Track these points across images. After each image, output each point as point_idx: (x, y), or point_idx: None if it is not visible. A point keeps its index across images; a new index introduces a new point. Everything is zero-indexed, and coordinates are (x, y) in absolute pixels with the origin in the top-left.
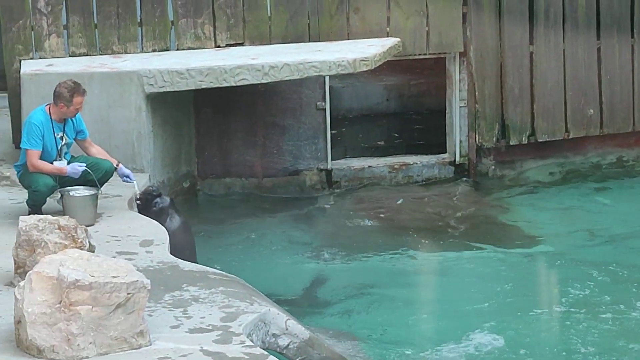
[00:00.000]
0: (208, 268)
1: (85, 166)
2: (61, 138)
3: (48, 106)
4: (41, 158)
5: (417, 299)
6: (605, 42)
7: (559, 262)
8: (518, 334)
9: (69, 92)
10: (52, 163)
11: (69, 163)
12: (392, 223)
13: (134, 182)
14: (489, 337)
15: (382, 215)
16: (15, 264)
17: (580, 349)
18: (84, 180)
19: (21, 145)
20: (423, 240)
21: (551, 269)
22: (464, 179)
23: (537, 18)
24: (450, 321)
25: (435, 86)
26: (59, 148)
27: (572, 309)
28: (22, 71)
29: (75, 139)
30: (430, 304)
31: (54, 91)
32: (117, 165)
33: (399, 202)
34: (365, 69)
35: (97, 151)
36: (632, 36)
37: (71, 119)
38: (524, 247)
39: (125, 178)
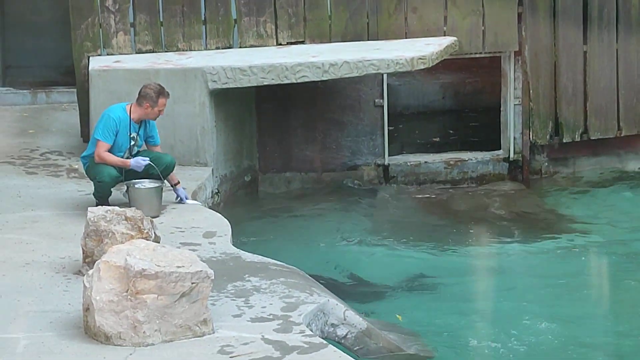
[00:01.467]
0: (269, 259)
1: (149, 160)
2: (133, 138)
3: (129, 105)
4: (111, 152)
5: (471, 292)
6: None
7: (610, 258)
8: (570, 329)
9: (155, 93)
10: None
11: (132, 157)
12: (447, 217)
13: (185, 201)
14: (542, 332)
15: (437, 209)
16: (83, 253)
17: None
18: (146, 174)
19: (94, 135)
20: (476, 234)
21: (602, 265)
22: (518, 175)
23: (590, 18)
24: (504, 315)
25: (491, 84)
26: (129, 147)
27: (625, 305)
28: (90, 67)
29: (145, 143)
30: (483, 297)
31: (140, 92)
32: (176, 185)
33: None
34: (422, 67)
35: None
36: None
37: (146, 123)
38: (574, 243)
39: (179, 199)
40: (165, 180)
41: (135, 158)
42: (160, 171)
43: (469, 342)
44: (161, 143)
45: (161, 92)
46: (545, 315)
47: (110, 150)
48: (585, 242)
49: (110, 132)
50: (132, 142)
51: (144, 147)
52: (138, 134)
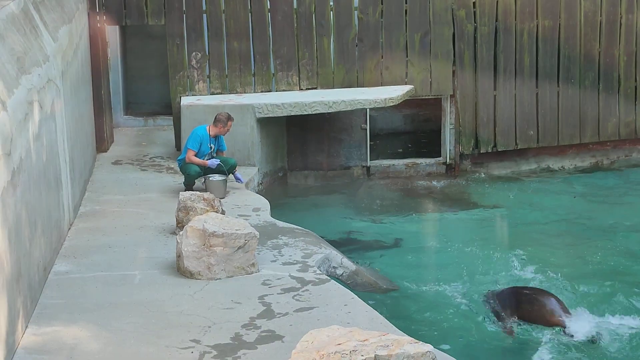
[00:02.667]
0: (294, 225)
1: (219, 161)
2: (211, 147)
3: (208, 127)
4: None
5: (422, 245)
6: (541, 88)
7: (508, 221)
8: (483, 264)
9: (225, 118)
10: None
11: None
12: (408, 198)
13: (242, 182)
14: (471, 271)
15: (401, 193)
16: (176, 221)
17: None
18: (218, 171)
19: (186, 145)
20: (424, 207)
21: (503, 227)
22: (452, 173)
23: (497, 74)
24: (446, 262)
25: (435, 115)
26: (209, 153)
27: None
28: (181, 103)
29: (217, 151)
30: (431, 249)
31: (215, 117)
32: (234, 172)
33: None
34: (391, 104)
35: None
36: (558, 85)
37: (219, 138)
38: (484, 213)
39: (237, 181)
40: (229, 175)
41: (211, 160)
42: (226, 169)
43: (424, 279)
44: (227, 150)
45: (229, 118)
46: (470, 259)
47: (196, 155)
48: (490, 213)
49: (196, 143)
50: (210, 150)
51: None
52: (214, 145)
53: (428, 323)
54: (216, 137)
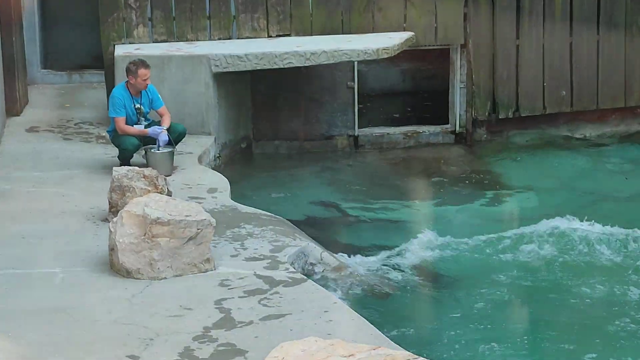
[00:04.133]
0: (260, 210)
1: (164, 128)
2: (138, 109)
3: (126, 83)
4: (126, 123)
5: (418, 238)
6: (576, 37)
7: (525, 203)
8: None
9: (134, 66)
10: (133, 127)
11: (149, 127)
12: (403, 176)
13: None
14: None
15: (396, 170)
16: (109, 204)
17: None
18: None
19: (109, 114)
20: (426, 189)
21: (514, 210)
22: (462, 144)
23: (522, 17)
24: (458, 262)
25: (441, 71)
26: (137, 115)
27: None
28: (115, 54)
29: (152, 108)
30: (426, 235)
31: (125, 68)
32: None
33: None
34: (386, 56)
35: (168, 120)
36: (598, 33)
37: (146, 92)
38: (501, 194)
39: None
40: (175, 147)
41: (153, 127)
42: (174, 138)
43: (425, 280)
44: (174, 116)
45: (139, 64)
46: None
47: (126, 121)
48: (512, 198)
49: (120, 107)
50: (138, 112)
51: (158, 117)
52: (141, 103)
53: (430, 334)
54: (141, 94)
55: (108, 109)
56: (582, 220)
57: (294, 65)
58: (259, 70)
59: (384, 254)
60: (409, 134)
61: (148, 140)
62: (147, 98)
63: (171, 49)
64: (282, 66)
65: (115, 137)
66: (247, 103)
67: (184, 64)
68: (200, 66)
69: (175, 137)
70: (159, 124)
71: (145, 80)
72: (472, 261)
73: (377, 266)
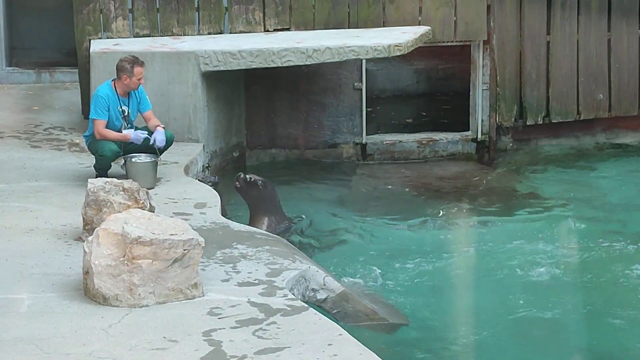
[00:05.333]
0: (255, 229)
1: (147, 134)
2: (123, 112)
3: (113, 81)
4: (107, 128)
5: (439, 263)
6: (615, 33)
7: (574, 227)
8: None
9: (129, 64)
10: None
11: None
12: (418, 192)
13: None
14: (509, 300)
15: (408, 185)
16: (83, 221)
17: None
18: (145, 147)
19: (89, 116)
20: (444, 210)
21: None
22: (485, 154)
23: (554, 10)
24: (471, 284)
25: (461, 70)
26: (123, 120)
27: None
28: (91, 49)
29: (138, 112)
30: (452, 268)
31: (117, 66)
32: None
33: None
34: (398, 53)
35: (156, 124)
36: None
37: (134, 93)
38: (534, 215)
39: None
40: (160, 156)
41: (135, 132)
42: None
43: (444, 310)
44: (157, 114)
45: (135, 62)
46: (509, 287)
47: (106, 126)
48: (543, 216)
49: (103, 109)
50: (123, 114)
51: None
52: (128, 107)
53: None
54: (129, 96)
55: (89, 111)
56: (627, 243)
57: (293, 64)
58: (254, 69)
59: (395, 280)
60: (424, 142)
61: (129, 149)
62: (136, 100)
63: (154, 44)
64: (280, 65)
65: (93, 142)
66: (241, 106)
67: (168, 61)
68: (188, 64)
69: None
70: (144, 129)
71: (140, 79)
72: (493, 290)
73: (388, 293)
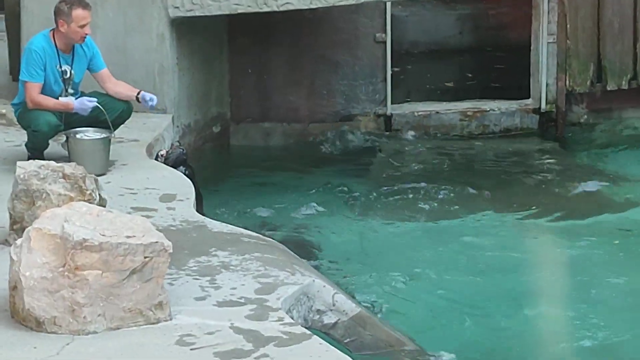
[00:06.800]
0: (241, 229)
1: (97, 102)
2: (64, 72)
3: (52, 32)
4: (42, 94)
5: (483, 273)
6: None
7: None
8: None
9: (67, 5)
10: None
11: (77, 98)
12: (461, 182)
13: (153, 105)
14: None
15: (450, 172)
16: (10, 218)
17: None
18: (95, 120)
19: (19, 77)
20: (495, 205)
21: None
22: (551, 130)
23: None
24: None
25: (519, 17)
26: (63, 83)
27: None
28: None
29: (89, 72)
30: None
31: (54, 9)
32: (138, 94)
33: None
34: None
35: (116, 87)
36: None
37: (82, 48)
38: (616, 218)
39: (148, 103)
40: (114, 131)
41: (80, 99)
42: (113, 118)
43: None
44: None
45: (74, 2)
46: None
47: (42, 91)
48: (626, 215)
49: (37, 68)
50: (65, 76)
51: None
52: (71, 66)
53: None
54: (73, 51)
55: (19, 71)
56: None
57: (294, 8)
58: (241, 15)
59: (423, 297)
60: (469, 114)
61: (72, 122)
62: (84, 57)
63: None
64: (276, 9)
65: (24, 113)
66: (223, 65)
67: (125, 3)
68: (151, 8)
69: (115, 117)
70: (93, 96)
71: (83, 27)
72: (593, 313)
73: (414, 315)
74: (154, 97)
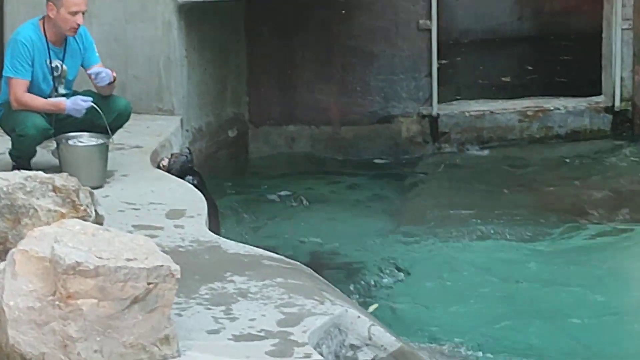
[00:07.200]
0: (261, 251)
1: (93, 102)
2: (55, 68)
3: (42, 20)
4: (30, 92)
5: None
6: None
7: None
8: None
9: None
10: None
11: (69, 98)
12: (523, 195)
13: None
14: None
15: (508, 182)
16: None
17: None
18: (90, 124)
19: (3, 73)
20: (563, 232)
21: None
22: (626, 131)
23: None
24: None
25: (588, 3)
26: (53, 81)
27: None
28: None
29: (83, 68)
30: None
31: None
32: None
33: None
34: None
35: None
36: None
37: (75, 41)
38: None
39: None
40: (113, 136)
41: (73, 98)
42: (111, 121)
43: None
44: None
45: None
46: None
47: (30, 89)
48: None
49: (24, 62)
50: (55, 72)
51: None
52: (63, 61)
53: None
54: (65, 44)
55: (5, 63)
56: None
57: None
58: (260, 0)
59: (478, 330)
60: (529, 114)
61: (63, 126)
62: (78, 50)
63: None
64: None
65: (8, 114)
66: (240, 58)
67: None
68: None
69: (113, 118)
70: (87, 95)
71: (75, 15)
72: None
73: (466, 351)
74: (109, 72)
